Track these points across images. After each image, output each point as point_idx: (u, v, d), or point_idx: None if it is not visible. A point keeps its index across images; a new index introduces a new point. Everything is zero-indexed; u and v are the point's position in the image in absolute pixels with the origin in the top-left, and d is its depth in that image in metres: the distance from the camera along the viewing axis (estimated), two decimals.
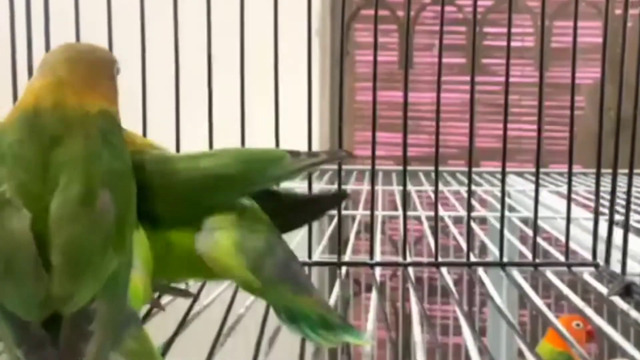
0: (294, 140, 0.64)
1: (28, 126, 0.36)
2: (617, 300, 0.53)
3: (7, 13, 0.53)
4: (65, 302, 0.31)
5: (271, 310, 0.48)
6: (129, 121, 0.58)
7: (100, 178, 0.35)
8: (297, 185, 1.18)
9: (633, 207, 0.86)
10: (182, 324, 0.48)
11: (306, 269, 0.58)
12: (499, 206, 0.63)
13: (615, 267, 0.58)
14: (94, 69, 0.41)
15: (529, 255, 0.62)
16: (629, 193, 0.57)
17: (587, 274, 0.59)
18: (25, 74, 0.53)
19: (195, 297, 0.52)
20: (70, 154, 0.36)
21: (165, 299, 0.53)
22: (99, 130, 0.37)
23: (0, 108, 0.54)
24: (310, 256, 0.60)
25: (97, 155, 0.36)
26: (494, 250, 0.67)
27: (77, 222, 0.33)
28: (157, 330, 0.49)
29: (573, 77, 0.57)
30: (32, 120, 0.37)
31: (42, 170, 0.35)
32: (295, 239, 0.67)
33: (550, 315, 0.51)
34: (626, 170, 0.56)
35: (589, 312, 0.51)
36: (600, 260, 0.60)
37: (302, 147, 0.61)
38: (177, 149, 0.59)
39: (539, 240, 0.65)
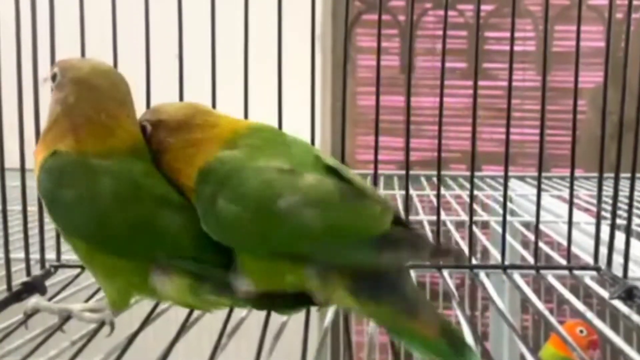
0: None
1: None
2: (619, 304, 0.53)
3: (12, 16, 0.53)
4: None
5: (272, 314, 0.48)
6: None
7: None
8: None
9: (635, 211, 0.86)
10: (184, 327, 0.48)
11: None
12: (500, 210, 0.63)
13: (617, 271, 0.58)
14: None
15: (531, 260, 0.62)
16: (631, 197, 0.57)
17: (588, 278, 0.59)
18: (30, 76, 0.54)
19: None
20: None
21: (165, 303, 0.53)
22: None
23: (4, 110, 0.54)
24: None
25: None
26: (495, 254, 0.67)
27: None
28: (159, 334, 0.49)
29: (576, 81, 0.57)
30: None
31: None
32: None
33: (552, 319, 0.51)
34: (628, 174, 0.56)
35: (590, 315, 0.51)
36: (602, 264, 0.59)
37: None
38: None
39: (541, 244, 0.64)
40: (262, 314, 0.49)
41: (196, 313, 0.50)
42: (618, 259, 0.58)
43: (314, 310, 0.49)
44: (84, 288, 0.58)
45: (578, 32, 0.57)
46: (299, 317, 0.49)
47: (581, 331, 0.98)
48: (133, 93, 0.48)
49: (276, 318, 0.49)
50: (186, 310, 0.50)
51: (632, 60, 0.55)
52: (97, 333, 0.47)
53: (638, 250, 0.64)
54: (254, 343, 0.43)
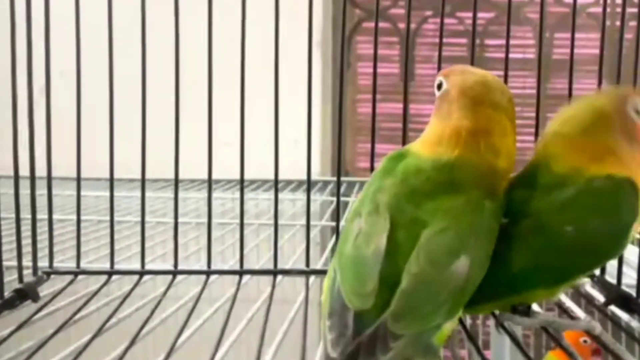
0: (295, 150, 0.64)
1: (436, 166, 0.40)
2: (620, 312, 0.52)
3: (7, 17, 0.53)
4: (393, 323, 0.34)
5: (270, 321, 0.48)
6: (129, 127, 0.58)
7: (467, 243, 0.37)
8: (295, 197, 1.18)
9: None
10: (179, 336, 0.47)
11: (304, 277, 0.59)
12: None
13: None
14: None
15: None
16: None
17: (588, 286, 0.59)
18: (25, 80, 0.54)
19: (193, 308, 0.51)
20: (454, 206, 0.38)
21: (166, 310, 0.53)
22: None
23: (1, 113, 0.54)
24: (308, 265, 0.60)
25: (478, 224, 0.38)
26: None
27: (432, 269, 0.35)
28: (158, 341, 0.49)
29: (570, 88, 0.58)
30: (440, 163, 0.40)
31: (421, 199, 0.38)
32: (298, 250, 0.67)
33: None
34: None
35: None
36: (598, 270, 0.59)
37: (303, 158, 0.61)
38: (177, 160, 0.59)
39: None
40: (261, 320, 0.48)
41: (194, 318, 0.50)
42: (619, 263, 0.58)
43: (312, 311, 0.49)
44: (80, 294, 0.58)
45: (572, 40, 0.57)
46: (298, 321, 0.48)
47: (585, 341, 0.97)
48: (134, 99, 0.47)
49: (275, 324, 0.49)
50: (184, 317, 0.49)
51: (628, 67, 0.55)
52: (93, 340, 0.46)
53: (633, 255, 0.63)
54: (253, 351, 0.43)
